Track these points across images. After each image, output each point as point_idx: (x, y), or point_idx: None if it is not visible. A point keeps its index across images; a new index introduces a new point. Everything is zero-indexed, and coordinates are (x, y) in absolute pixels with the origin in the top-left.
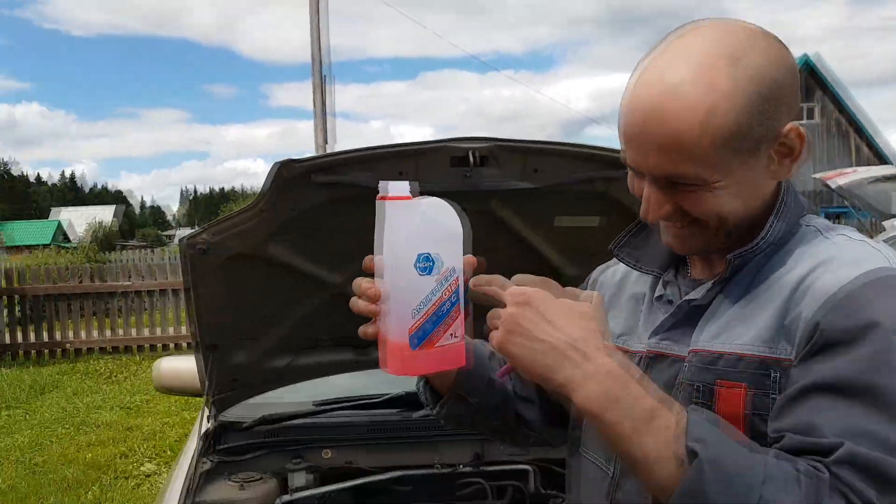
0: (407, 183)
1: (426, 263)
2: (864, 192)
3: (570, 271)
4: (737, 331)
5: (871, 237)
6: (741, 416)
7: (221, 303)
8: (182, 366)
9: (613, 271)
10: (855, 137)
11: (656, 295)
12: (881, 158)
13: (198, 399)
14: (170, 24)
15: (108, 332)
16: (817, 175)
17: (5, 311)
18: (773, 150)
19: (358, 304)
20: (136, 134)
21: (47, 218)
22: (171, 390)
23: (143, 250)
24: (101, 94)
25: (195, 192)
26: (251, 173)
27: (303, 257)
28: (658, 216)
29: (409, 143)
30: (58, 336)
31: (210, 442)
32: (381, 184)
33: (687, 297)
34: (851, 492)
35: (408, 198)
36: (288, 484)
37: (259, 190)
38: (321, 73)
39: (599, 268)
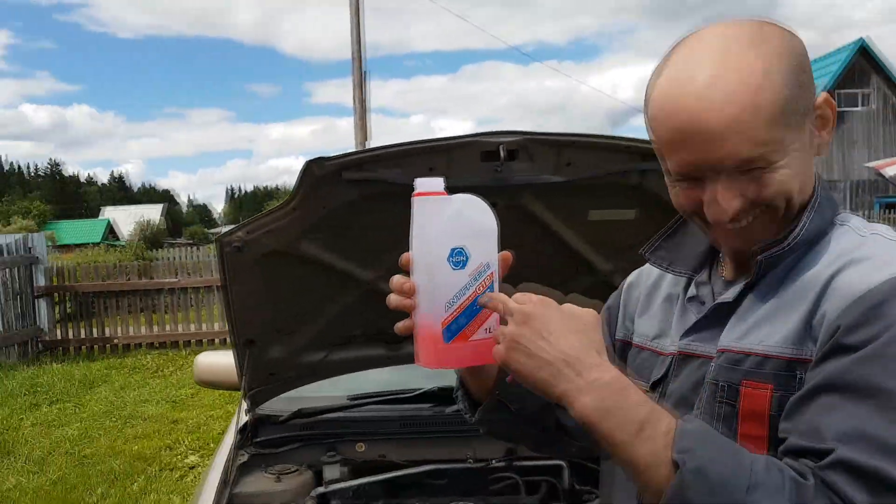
0: (441, 179)
1: (459, 258)
2: None
3: (603, 266)
4: (764, 331)
5: None
6: (766, 416)
7: (257, 299)
8: (220, 360)
9: (648, 274)
10: None
11: (689, 296)
12: None
13: (240, 393)
14: (213, 25)
15: (155, 328)
16: (871, 164)
17: (56, 308)
18: (811, 122)
19: (393, 299)
20: (182, 133)
21: (97, 217)
22: (211, 384)
23: (189, 248)
24: (148, 95)
25: (240, 190)
26: (294, 171)
27: (335, 254)
28: (733, 213)
29: (439, 139)
30: (107, 332)
31: (247, 435)
32: (417, 181)
33: (719, 300)
34: (837, 496)
35: (443, 194)
36: (322, 476)
37: None
38: (361, 70)
39: (635, 272)
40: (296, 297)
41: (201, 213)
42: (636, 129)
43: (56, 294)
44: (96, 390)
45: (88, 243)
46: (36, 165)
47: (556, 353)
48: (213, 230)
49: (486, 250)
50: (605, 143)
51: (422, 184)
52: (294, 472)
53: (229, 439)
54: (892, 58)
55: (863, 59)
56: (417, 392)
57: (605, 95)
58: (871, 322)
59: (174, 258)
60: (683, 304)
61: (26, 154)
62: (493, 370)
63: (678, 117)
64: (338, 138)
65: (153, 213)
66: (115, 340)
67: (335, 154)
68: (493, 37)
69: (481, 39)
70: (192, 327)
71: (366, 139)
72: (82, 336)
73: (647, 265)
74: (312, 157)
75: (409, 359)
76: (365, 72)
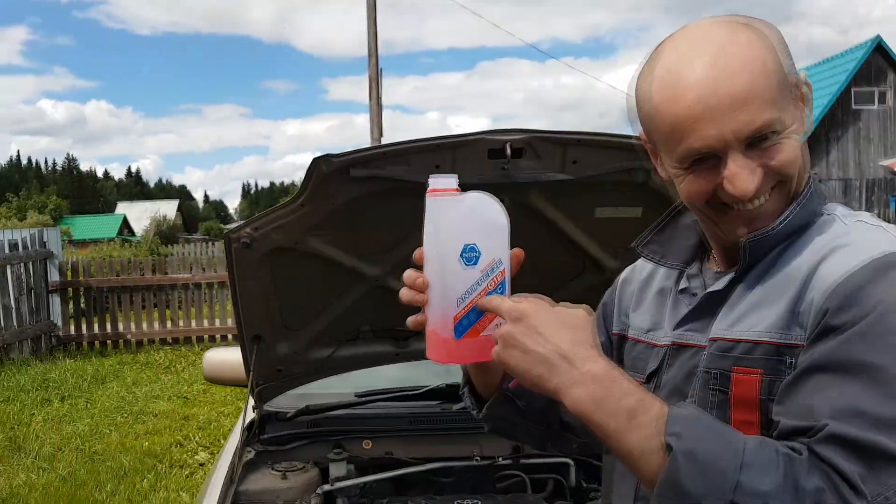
0: (455, 177)
1: (471, 254)
2: None
3: (611, 263)
4: (753, 318)
5: None
6: (756, 401)
7: (264, 295)
8: (229, 357)
9: (640, 269)
10: None
11: (680, 289)
12: None
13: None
14: (230, 22)
15: (168, 324)
16: (884, 163)
17: (70, 304)
18: (798, 97)
19: (405, 293)
20: (198, 130)
21: (113, 212)
22: (219, 381)
23: (204, 243)
24: (165, 92)
25: (255, 186)
26: None
27: (343, 250)
28: (756, 185)
29: (445, 137)
30: (120, 327)
31: (254, 432)
32: (431, 178)
33: (709, 290)
34: (832, 469)
35: (456, 191)
36: (329, 474)
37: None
38: (377, 67)
39: (628, 268)
40: (303, 294)
41: (217, 208)
42: None
43: (69, 289)
44: (108, 386)
45: (103, 238)
46: (54, 160)
47: (550, 347)
48: (228, 226)
49: (498, 247)
50: (611, 142)
51: (436, 181)
52: (300, 469)
53: (236, 436)
54: None
55: (879, 57)
56: (424, 389)
57: (621, 92)
58: (856, 303)
59: (188, 254)
60: (675, 297)
61: (44, 149)
62: (500, 367)
63: (688, 97)
64: (354, 134)
65: (168, 208)
66: (128, 336)
67: (343, 151)
68: (508, 34)
69: (497, 36)
70: (206, 323)
71: (380, 136)
72: (95, 331)
73: (640, 261)
74: (320, 155)
75: (417, 355)
76: (380, 69)
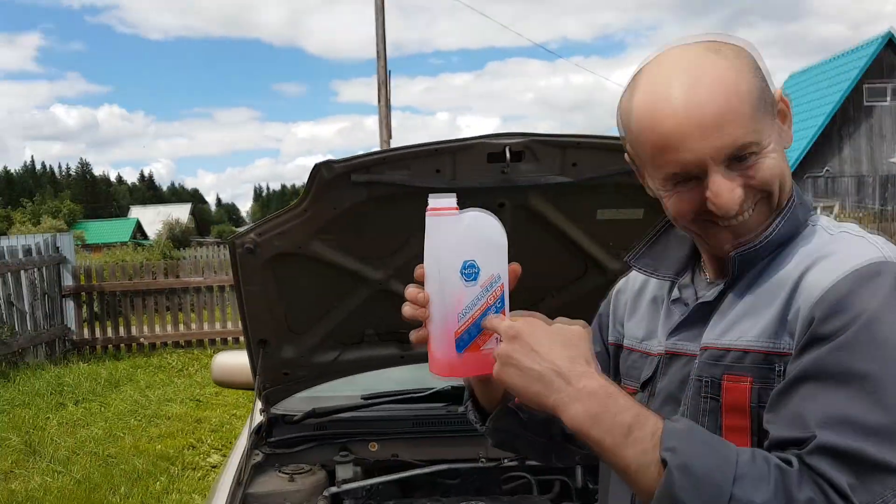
0: (454, 196)
1: (471, 271)
2: None
3: (613, 265)
4: (742, 327)
5: None
6: (747, 408)
7: (270, 299)
8: (237, 360)
9: (634, 280)
10: None
11: (673, 299)
12: None
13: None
14: (240, 26)
15: (181, 327)
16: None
17: (84, 308)
18: (776, 114)
19: (408, 309)
20: (210, 133)
21: (126, 217)
22: (228, 384)
23: (217, 247)
24: (177, 96)
25: (267, 189)
26: None
27: (346, 255)
28: (737, 202)
29: (444, 141)
30: (133, 331)
31: (261, 435)
32: (430, 198)
33: (700, 299)
34: (823, 480)
35: (455, 209)
36: (335, 476)
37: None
38: (385, 69)
39: (622, 279)
40: (308, 298)
41: (229, 211)
42: None
43: (83, 294)
44: (121, 389)
45: (117, 242)
46: (67, 165)
47: (546, 364)
48: (240, 229)
49: (496, 263)
50: (611, 144)
51: (435, 201)
52: (307, 471)
53: (244, 439)
54: None
55: (890, 52)
56: (429, 391)
57: None
58: (841, 312)
59: (200, 257)
60: (668, 307)
61: (57, 154)
62: None
63: (668, 121)
64: (365, 136)
65: (181, 212)
66: (142, 340)
67: (344, 157)
68: (516, 34)
69: (506, 37)
70: (218, 326)
71: (390, 137)
72: (109, 335)
73: (634, 271)
74: (322, 161)
75: (422, 358)
76: (388, 71)
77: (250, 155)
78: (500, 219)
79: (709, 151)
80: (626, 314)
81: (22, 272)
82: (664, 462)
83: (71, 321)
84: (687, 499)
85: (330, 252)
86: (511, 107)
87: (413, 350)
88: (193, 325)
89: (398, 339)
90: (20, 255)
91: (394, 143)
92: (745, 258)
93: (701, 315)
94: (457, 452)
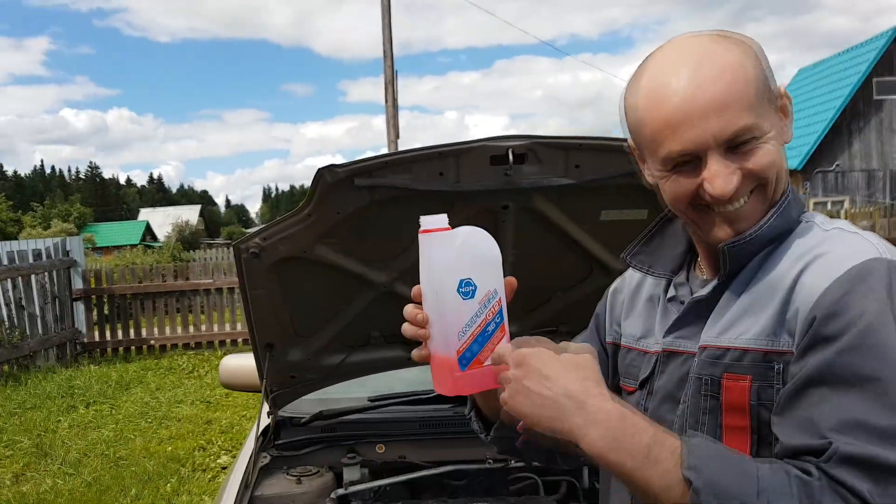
0: (445, 216)
1: (468, 288)
2: None
3: (618, 265)
4: (741, 326)
5: None
6: (747, 407)
7: (275, 303)
8: (245, 363)
9: (630, 279)
10: None
11: (669, 296)
12: None
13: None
14: (248, 27)
15: (190, 329)
16: None
17: (94, 311)
18: (779, 108)
19: (408, 330)
20: (218, 135)
21: (136, 219)
22: (235, 387)
23: (226, 248)
24: (185, 98)
25: (276, 189)
26: None
27: (350, 258)
28: (735, 185)
29: (447, 144)
30: (143, 333)
31: (269, 437)
32: (422, 219)
33: (695, 296)
34: (845, 489)
35: (447, 229)
36: (343, 478)
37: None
38: (392, 69)
39: (618, 279)
40: (313, 301)
41: (238, 213)
42: None
43: (93, 296)
44: (132, 391)
45: (126, 245)
46: (77, 169)
47: (557, 389)
48: (250, 230)
49: (492, 278)
50: (614, 146)
51: (426, 221)
52: (315, 473)
53: (252, 441)
54: None
55: None
56: (436, 393)
57: None
58: (842, 312)
59: (209, 259)
60: (664, 305)
61: (67, 158)
62: None
63: (671, 102)
64: (374, 136)
65: (191, 214)
66: (152, 342)
67: (346, 161)
68: (522, 31)
69: (514, 34)
70: (227, 327)
71: (397, 137)
72: (119, 338)
73: (629, 271)
74: (324, 165)
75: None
76: (395, 71)
77: (259, 156)
78: (504, 221)
79: (710, 132)
80: (623, 313)
81: (32, 276)
82: (688, 481)
83: (81, 324)
84: None
85: (334, 256)
86: (519, 105)
87: None
88: (203, 327)
89: (404, 340)
90: (30, 259)
91: (402, 143)
92: (736, 251)
93: (697, 312)
94: (464, 453)
